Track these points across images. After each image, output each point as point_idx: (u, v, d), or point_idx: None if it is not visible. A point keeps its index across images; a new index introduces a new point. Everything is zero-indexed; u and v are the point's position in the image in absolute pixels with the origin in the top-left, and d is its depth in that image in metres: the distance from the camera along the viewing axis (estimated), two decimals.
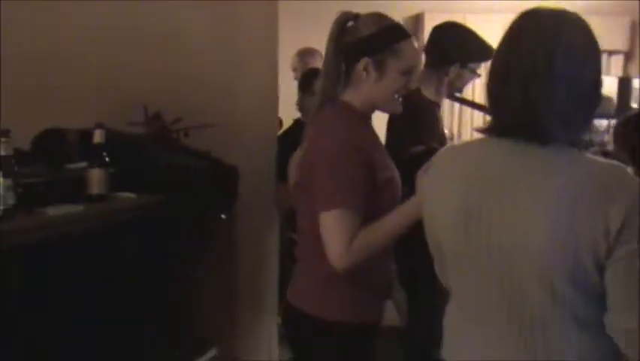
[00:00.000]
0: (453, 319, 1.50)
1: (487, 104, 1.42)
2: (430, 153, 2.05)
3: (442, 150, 1.57)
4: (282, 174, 2.89)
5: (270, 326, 3.03)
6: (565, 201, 1.25)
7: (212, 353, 2.71)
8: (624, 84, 4.24)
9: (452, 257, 1.44)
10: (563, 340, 1.30)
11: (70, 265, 2.05)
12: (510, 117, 1.34)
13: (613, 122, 4.19)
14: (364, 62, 1.86)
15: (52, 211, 1.90)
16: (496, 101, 1.37)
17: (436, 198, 1.46)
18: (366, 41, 1.86)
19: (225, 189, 2.58)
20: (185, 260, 2.57)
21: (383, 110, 2.02)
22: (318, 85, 2.00)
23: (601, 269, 1.25)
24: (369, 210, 1.81)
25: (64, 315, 2.05)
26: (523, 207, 1.29)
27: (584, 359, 1.31)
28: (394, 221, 1.84)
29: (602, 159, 1.32)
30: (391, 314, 4.04)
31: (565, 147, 1.32)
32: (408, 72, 1.89)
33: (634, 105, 4.17)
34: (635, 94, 4.18)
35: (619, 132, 2.10)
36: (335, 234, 1.76)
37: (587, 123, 1.39)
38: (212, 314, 2.73)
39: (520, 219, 1.29)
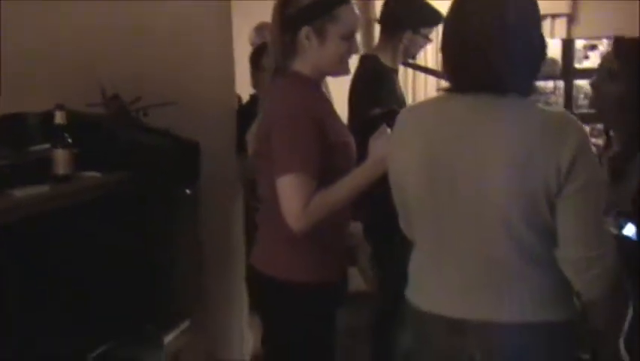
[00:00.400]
0: (418, 263, 1.60)
1: (445, 68, 1.51)
2: (389, 114, 2.14)
3: (404, 109, 1.67)
4: (241, 147, 2.95)
5: (239, 296, 3.09)
6: (520, 146, 1.37)
7: (185, 325, 2.78)
8: (568, 46, 4.39)
9: (418, 210, 1.54)
10: (518, 275, 1.42)
11: (40, 245, 2.09)
12: (472, 79, 1.44)
13: (559, 83, 4.35)
14: (305, 30, 1.93)
15: (19, 193, 1.93)
16: (457, 65, 1.47)
17: (401, 155, 1.55)
18: (305, 10, 1.93)
19: (188, 165, 2.63)
20: (152, 236, 2.62)
21: (332, 74, 2.08)
22: (267, 59, 2.07)
23: (552, 208, 1.37)
24: (324, 175, 1.88)
25: (35, 293, 2.09)
26: (482, 155, 1.40)
27: (538, 292, 1.43)
28: (349, 185, 1.93)
29: (552, 108, 1.45)
30: (358, 280, 4.18)
31: (519, 97, 1.43)
32: (348, 36, 1.97)
33: (577, 65, 4.34)
34: (578, 55, 4.34)
35: (625, 48, 2.08)
36: (291, 197, 1.83)
37: (536, 75, 1.50)
38: (182, 288, 2.78)
39: (480, 167, 1.40)
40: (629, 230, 1.83)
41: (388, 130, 1.82)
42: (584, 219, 1.38)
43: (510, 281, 1.42)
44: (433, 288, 1.54)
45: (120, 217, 2.44)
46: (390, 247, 2.68)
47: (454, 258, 1.48)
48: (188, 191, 2.68)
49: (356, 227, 3.64)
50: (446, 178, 1.44)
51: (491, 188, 1.38)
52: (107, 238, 2.46)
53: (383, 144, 1.84)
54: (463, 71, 1.44)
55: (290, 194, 1.85)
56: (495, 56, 1.39)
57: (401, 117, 1.60)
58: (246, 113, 3.07)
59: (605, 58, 2.03)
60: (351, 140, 2.05)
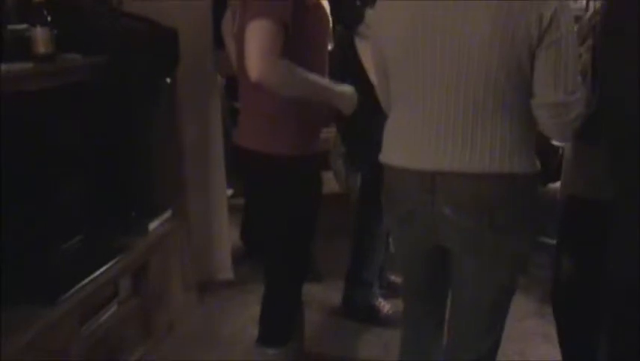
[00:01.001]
0: (393, 125, 1.65)
1: None
2: None
3: None
4: (218, 41, 2.93)
5: (219, 185, 3.15)
6: (504, 3, 1.41)
7: (167, 214, 2.83)
8: None
9: (400, 67, 1.58)
10: (491, 125, 1.49)
11: (25, 121, 2.09)
12: None
13: None
14: None
15: (4, 67, 1.92)
16: None
17: (387, 14, 1.58)
18: None
19: (167, 52, 2.61)
20: (132, 125, 2.62)
21: None
22: None
23: (532, 58, 1.43)
24: (297, 35, 1.85)
25: (17, 170, 2.09)
26: (466, 8, 1.44)
27: (508, 143, 1.50)
28: (330, 87, 1.97)
29: None
30: (332, 184, 4.29)
31: None
32: None
33: None
34: None
35: None
36: (259, 41, 1.78)
37: None
38: (163, 177, 2.82)
39: (464, 18, 1.45)
40: None
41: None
42: (564, 66, 1.46)
43: (483, 130, 1.49)
44: (407, 144, 1.59)
45: (103, 102, 2.44)
46: (367, 146, 2.73)
47: (430, 111, 1.53)
48: (168, 79, 2.68)
49: (330, 131, 3.71)
50: (430, 32, 1.49)
51: (474, 38, 1.44)
52: (88, 124, 2.46)
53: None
54: None
55: (258, 38, 1.78)
56: None
57: None
58: (220, 6, 3.04)
59: None
60: (326, 7, 2.05)
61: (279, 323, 2.17)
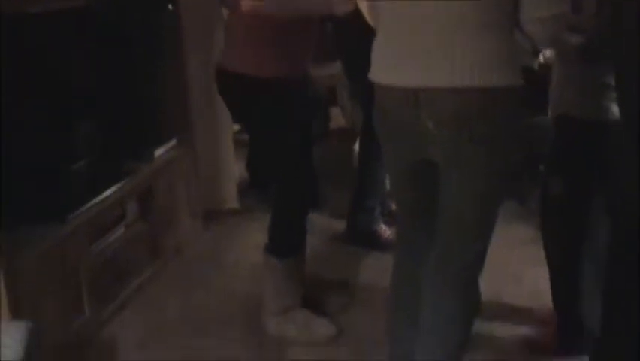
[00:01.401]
0: (379, 44, 1.68)
1: None
2: None
3: None
4: None
5: (224, 114, 3.19)
6: None
7: (172, 143, 2.89)
8: None
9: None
10: (473, 39, 1.52)
11: (31, 44, 2.13)
12: None
13: None
14: None
15: None
16: None
17: None
18: None
19: None
20: (138, 48, 2.66)
21: None
22: None
23: None
24: None
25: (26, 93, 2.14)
26: None
27: (488, 57, 1.53)
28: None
29: None
30: (340, 119, 4.33)
31: None
32: None
33: None
34: None
35: None
36: None
37: None
38: (168, 107, 2.87)
39: None
40: None
41: None
42: None
43: (464, 47, 1.52)
44: (393, 62, 1.63)
45: (105, 30, 2.47)
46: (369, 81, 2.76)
47: (414, 31, 1.56)
48: (170, 6, 2.70)
49: (336, 67, 3.72)
50: None
51: None
52: (94, 49, 2.50)
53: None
54: None
55: None
56: None
57: None
58: None
59: None
60: None
61: (284, 238, 2.31)
